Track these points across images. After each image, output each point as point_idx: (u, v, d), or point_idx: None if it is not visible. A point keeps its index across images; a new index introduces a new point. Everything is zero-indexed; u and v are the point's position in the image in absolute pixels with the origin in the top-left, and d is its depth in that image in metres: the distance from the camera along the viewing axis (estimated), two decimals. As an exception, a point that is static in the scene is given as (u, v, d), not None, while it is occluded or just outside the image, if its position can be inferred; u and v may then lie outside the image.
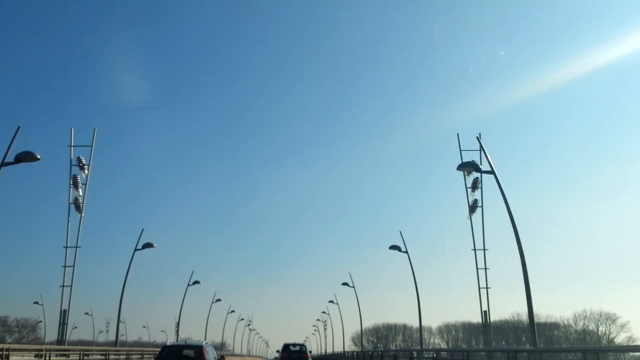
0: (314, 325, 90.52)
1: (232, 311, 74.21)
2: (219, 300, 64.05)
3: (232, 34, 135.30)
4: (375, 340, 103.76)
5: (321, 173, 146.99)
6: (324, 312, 77.24)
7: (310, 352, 36.78)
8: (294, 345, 33.83)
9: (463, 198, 35.04)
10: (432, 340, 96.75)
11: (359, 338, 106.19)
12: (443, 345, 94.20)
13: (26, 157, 18.40)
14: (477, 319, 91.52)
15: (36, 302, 66.24)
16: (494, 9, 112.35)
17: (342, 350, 63.35)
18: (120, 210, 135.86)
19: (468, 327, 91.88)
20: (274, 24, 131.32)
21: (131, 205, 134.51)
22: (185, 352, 19.49)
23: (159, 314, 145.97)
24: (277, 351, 35.50)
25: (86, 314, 78.16)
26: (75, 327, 73.71)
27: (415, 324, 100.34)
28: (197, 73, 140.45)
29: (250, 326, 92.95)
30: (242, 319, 77.72)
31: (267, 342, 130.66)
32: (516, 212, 17.43)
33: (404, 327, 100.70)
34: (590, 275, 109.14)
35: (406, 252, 31.64)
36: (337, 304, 63.14)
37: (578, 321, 79.06)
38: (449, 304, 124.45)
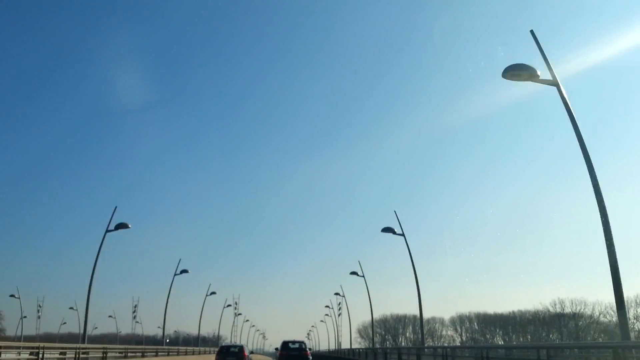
0: (327, 307, 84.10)
1: (229, 305, 74.91)
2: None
3: (231, 32, 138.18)
4: (384, 332, 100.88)
5: (320, 169, 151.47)
6: (327, 307, 75.79)
7: (310, 349, 36.75)
8: (293, 342, 34.13)
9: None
10: (444, 332, 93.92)
11: (365, 330, 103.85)
12: (456, 338, 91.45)
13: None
14: (493, 309, 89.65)
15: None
16: (491, 8, 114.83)
17: (351, 344, 61.55)
18: (119, 207, 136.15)
19: (483, 318, 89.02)
20: (272, 22, 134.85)
21: (130, 202, 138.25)
22: (232, 349, 32.75)
23: (153, 307, 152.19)
24: (276, 349, 36.24)
25: (71, 308, 77.77)
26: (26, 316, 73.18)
27: (427, 315, 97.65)
28: (194, 71, 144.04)
29: (237, 310, 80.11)
30: (228, 305, 72.78)
31: (263, 334, 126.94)
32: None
33: (414, 318, 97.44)
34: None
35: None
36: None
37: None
38: (460, 295, 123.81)
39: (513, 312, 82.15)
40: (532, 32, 14.32)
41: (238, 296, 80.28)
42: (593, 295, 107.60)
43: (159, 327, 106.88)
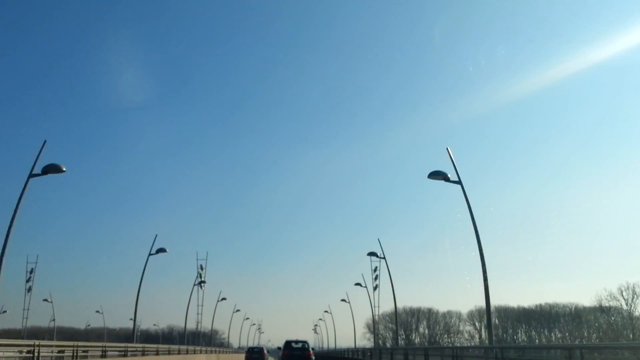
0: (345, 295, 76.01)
1: (238, 310, 74.94)
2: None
3: (234, 26, 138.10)
4: (395, 328, 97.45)
5: (322, 165, 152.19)
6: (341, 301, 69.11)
7: (313, 348, 37.94)
8: (296, 342, 35.19)
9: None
10: (462, 327, 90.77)
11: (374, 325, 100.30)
12: (475, 334, 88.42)
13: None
14: (515, 302, 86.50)
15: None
16: (492, 7, 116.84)
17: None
18: (120, 203, 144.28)
19: (504, 312, 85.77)
20: (274, 16, 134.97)
21: (132, 198, 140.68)
22: (256, 350, 47.03)
23: (155, 303, 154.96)
24: (279, 348, 38.84)
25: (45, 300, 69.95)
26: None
27: (442, 309, 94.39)
28: (196, 68, 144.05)
29: (203, 277, 57.29)
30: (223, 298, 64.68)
31: (259, 327, 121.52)
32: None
33: (429, 311, 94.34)
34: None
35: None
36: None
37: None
38: (478, 287, 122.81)
39: (540, 305, 79.07)
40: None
41: (206, 255, 58.06)
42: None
43: (154, 324, 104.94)
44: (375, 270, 46.90)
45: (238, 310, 77.34)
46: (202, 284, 55.66)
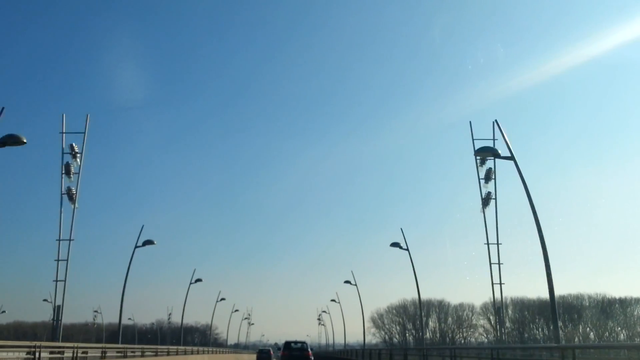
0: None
1: (223, 299, 68.52)
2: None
3: (227, 23, 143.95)
4: (402, 321, 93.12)
5: (319, 160, 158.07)
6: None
7: (312, 349, 39.95)
8: (295, 343, 37.10)
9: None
10: (474, 321, 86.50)
11: (380, 318, 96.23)
12: (489, 328, 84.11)
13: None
14: (534, 294, 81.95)
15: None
16: (489, 3, 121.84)
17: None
18: (115, 200, 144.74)
19: (520, 304, 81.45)
20: (268, 15, 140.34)
21: (127, 195, 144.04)
22: (264, 350, 55.30)
23: (151, 301, 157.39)
24: (278, 348, 40.58)
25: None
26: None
27: (454, 301, 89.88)
28: (191, 63, 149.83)
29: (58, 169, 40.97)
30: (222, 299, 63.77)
31: (249, 317, 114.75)
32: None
33: (440, 303, 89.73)
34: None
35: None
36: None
37: None
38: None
39: (563, 296, 74.38)
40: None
41: (84, 124, 34.84)
42: None
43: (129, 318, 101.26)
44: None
45: (237, 310, 77.52)
46: (73, 192, 32.31)
